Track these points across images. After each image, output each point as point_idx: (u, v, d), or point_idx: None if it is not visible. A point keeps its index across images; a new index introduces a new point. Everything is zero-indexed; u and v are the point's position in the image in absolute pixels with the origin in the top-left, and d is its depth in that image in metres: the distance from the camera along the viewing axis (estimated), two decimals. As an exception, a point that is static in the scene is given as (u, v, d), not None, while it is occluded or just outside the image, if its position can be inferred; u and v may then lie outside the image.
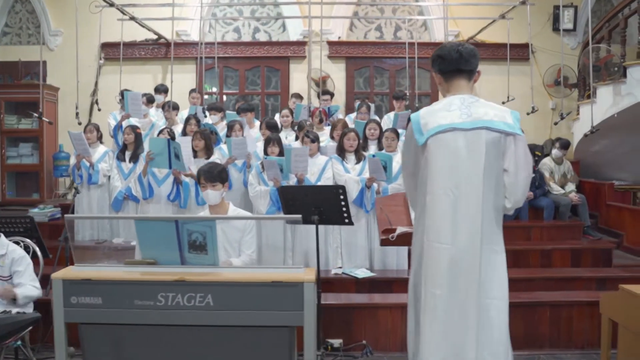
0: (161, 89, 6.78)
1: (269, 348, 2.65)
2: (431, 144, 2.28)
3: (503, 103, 7.26)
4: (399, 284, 4.75)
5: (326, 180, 5.04)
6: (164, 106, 6.28)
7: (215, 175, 3.43)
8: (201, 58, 7.47)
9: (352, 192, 4.93)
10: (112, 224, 5.71)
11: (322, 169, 5.09)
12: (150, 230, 2.76)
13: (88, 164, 5.57)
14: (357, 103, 7.02)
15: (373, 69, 7.99)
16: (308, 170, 5.07)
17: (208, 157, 5.14)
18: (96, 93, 7.90)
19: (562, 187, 6.48)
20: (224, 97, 8.16)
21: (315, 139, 5.11)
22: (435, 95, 8.06)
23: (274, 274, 2.67)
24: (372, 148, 5.54)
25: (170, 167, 4.89)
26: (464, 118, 2.27)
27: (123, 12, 6.36)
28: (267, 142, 5.10)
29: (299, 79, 7.89)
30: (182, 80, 7.85)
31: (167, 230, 2.70)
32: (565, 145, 6.48)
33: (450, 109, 2.31)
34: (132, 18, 6.60)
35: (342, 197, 3.79)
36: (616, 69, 5.97)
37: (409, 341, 2.48)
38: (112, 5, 5.92)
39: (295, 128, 6.02)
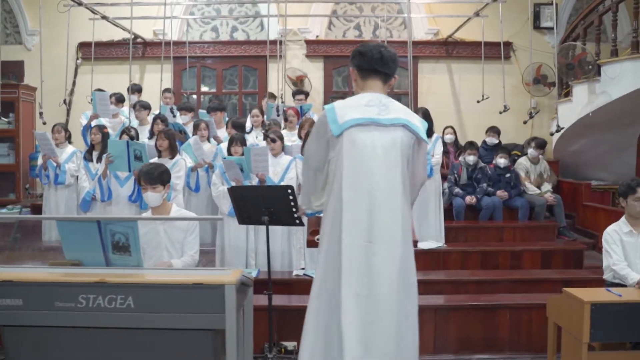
0: (135, 89, 6.74)
1: (192, 351, 2.60)
2: (347, 136, 2.23)
3: (478, 102, 7.20)
4: (360, 286, 4.70)
5: (289, 180, 4.97)
6: (135, 106, 6.23)
7: (156, 177, 3.37)
8: (177, 57, 7.43)
9: (315, 192, 4.86)
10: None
11: (286, 168, 5.03)
12: (74, 231, 2.71)
13: (55, 164, 5.53)
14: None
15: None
16: (271, 170, 5.02)
17: (172, 157, 5.08)
18: (73, 93, 7.86)
19: (539, 187, 6.38)
20: (202, 97, 8.11)
21: (278, 139, 5.04)
22: (414, 95, 7.98)
23: (196, 276, 2.61)
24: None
25: (130, 170, 4.84)
26: (382, 114, 2.24)
27: (93, 12, 6.31)
28: (230, 142, 5.05)
29: (276, 78, 7.81)
30: (159, 80, 7.83)
31: (90, 231, 2.65)
32: (541, 144, 6.39)
33: (369, 104, 2.27)
34: (104, 17, 6.56)
35: (291, 197, 3.71)
36: (590, 67, 5.87)
37: (303, 346, 2.38)
38: (80, 4, 5.87)
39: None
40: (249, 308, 3.10)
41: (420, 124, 2.31)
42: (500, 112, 6.30)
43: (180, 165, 5.04)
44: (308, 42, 7.87)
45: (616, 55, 5.76)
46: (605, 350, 3.49)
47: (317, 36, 7.90)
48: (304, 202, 2.51)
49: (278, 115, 5.90)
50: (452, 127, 7.02)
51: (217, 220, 3.71)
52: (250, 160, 4.71)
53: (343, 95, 7.33)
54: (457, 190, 6.19)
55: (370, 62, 2.30)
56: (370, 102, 2.27)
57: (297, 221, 3.84)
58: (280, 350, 4.05)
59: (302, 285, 4.68)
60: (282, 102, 6.61)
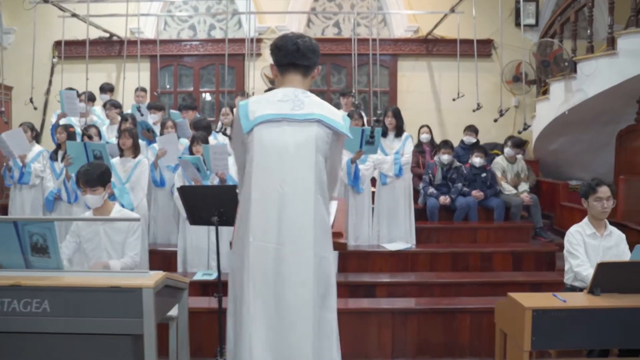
0: (106, 88, 6.66)
1: (111, 357, 2.49)
2: (256, 133, 2.10)
3: (454, 100, 7.08)
4: (322, 288, 4.59)
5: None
6: (105, 105, 6.14)
7: (95, 179, 3.26)
8: (154, 56, 7.34)
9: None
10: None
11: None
12: (-7, 231, 2.60)
13: (20, 164, 5.43)
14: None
15: (330, 66, 7.80)
16: (233, 169, 4.92)
17: (135, 156, 4.99)
18: (49, 92, 7.79)
19: (516, 187, 6.25)
20: (178, 96, 8.02)
21: None
22: (393, 92, 7.88)
23: (114, 279, 2.50)
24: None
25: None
26: (296, 110, 2.12)
27: (61, 9, 6.23)
28: (192, 141, 4.96)
29: (254, 77, 7.72)
30: (136, 79, 7.74)
31: (8, 231, 2.55)
32: (517, 143, 6.26)
33: (283, 99, 2.15)
34: (74, 15, 6.47)
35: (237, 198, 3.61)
36: (566, 63, 5.74)
37: (228, 350, 2.27)
38: (46, 1, 5.78)
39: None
40: (184, 312, 2.99)
41: (340, 119, 2.17)
42: (474, 110, 6.17)
43: (143, 165, 4.95)
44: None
45: (592, 51, 5.62)
46: (562, 357, 3.40)
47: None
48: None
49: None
50: (428, 126, 6.89)
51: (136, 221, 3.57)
52: (210, 159, 4.61)
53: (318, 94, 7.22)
54: (431, 190, 6.07)
55: (287, 56, 2.17)
56: (284, 97, 2.15)
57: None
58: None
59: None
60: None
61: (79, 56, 7.78)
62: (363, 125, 5.52)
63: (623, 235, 3.41)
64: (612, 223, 5.81)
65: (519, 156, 6.49)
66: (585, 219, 3.48)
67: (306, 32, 7.95)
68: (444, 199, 5.95)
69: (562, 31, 6.11)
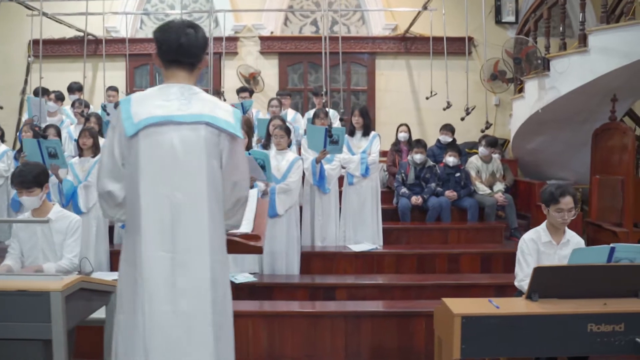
0: (75, 87, 6.60)
1: (22, 363, 2.40)
2: (142, 137, 1.96)
3: (427, 99, 6.98)
4: (279, 291, 4.50)
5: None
6: (74, 104, 6.07)
7: (31, 180, 3.16)
8: (130, 55, 7.27)
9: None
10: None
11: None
12: None
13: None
14: None
15: (307, 64, 7.70)
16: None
17: (94, 156, 4.91)
18: (25, 91, 7.72)
19: (491, 187, 6.14)
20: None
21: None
22: (371, 91, 7.78)
23: (22, 283, 2.42)
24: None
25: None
26: (182, 110, 1.97)
27: (29, 8, 6.16)
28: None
29: (231, 76, 7.63)
30: (112, 78, 7.68)
31: None
32: (491, 142, 6.14)
33: (169, 99, 1.99)
34: (44, 14, 6.40)
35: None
36: (539, 61, 5.62)
37: None
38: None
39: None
40: (110, 315, 2.89)
41: (231, 117, 2.04)
42: (444, 109, 6.07)
43: (101, 164, 4.86)
44: (262, 39, 7.68)
45: (565, 49, 5.50)
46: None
47: (271, 32, 7.70)
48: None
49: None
50: (406, 125, 6.77)
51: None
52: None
53: (291, 93, 7.13)
54: (403, 190, 5.96)
55: (169, 52, 2.02)
56: (170, 96, 1.99)
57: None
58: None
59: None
60: (224, 100, 6.42)
61: (55, 55, 7.75)
62: (330, 124, 5.42)
63: (582, 242, 3.25)
64: (589, 223, 5.79)
65: (495, 155, 6.38)
66: (543, 225, 3.27)
67: (283, 31, 7.88)
68: (416, 199, 5.84)
69: (535, 28, 5.99)
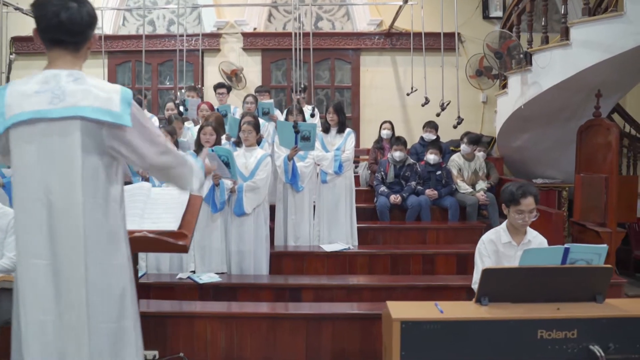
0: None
1: None
2: (12, 136, 1.78)
3: (408, 95, 6.83)
4: (244, 291, 4.35)
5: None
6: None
7: None
8: (112, 52, 7.16)
9: (204, 190, 4.54)
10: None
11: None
12: None
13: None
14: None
15: (290, 61, 7.54)
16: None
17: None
18: (6, 89, 7.64)
19: (473, 185, 5.97)
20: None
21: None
22: (356, 88, 7.62)
23: None
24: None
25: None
26: (55, 103, 1.75)
27: (5, 4, 6.05)
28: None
29: (213, 73, 7.51)
30: (94, 75, 7.56)
31: None
32: (473, 140, 5.97)
33: (41, 90, 1.77)
34: (17, 9, 6.29)
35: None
36: (522, 55, 5.44)
37: None
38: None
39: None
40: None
41: (115, 105, 1.78)
42: (422, 105, 5.89)
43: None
44: (245, 35, 7.53)
45: (547, 42, 5.32)
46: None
47: (254, 28, 7.56)
48: None
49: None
50: (390, 122, 6.61)
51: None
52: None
53: (270, 89, 6.97)
54: (382, 188, 5.81)
55: (48, 30, 1.79)
56: (43, 87, 1.77)
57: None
58: (136, 361, 3.70)
59: (184, 290, 4.37)
60: (200, 97, 6.30)
61: (36, 52, 7.64)
62: (304, 121, 5.28)
63: (544, 242, 3.08)
64: (574, 223, 5.60)
65: (479, 154, 6.21)
66: (503, 225, 3.11)
67: (267, 27, 7.73)
68: (394, 198, 5.68)
69: (519, 22, 5.81)
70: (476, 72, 6.63)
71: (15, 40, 7.61)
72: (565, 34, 5.03)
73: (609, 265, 2.46)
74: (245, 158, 4.71)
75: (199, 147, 4.69)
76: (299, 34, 5.60)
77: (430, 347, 2.32)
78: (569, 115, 5.72)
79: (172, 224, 2.33)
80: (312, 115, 5.35)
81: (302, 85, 6.07)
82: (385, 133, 6.51)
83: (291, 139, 4.85)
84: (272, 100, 6.03)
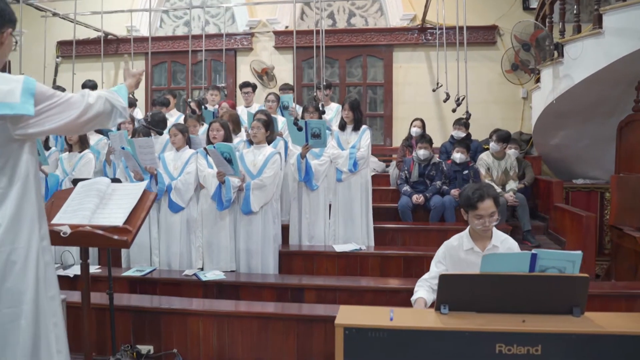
0: (89, 85, 6.73)
1: None
2: None
3: (434, 91, 6.57)
4: (247, 290, 4.32)
5: (187, 175, 4.70)
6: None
7: None
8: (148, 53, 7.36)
9: (211, 188, 4.57)
10: None
11: (186, 162, 4.76)
12: None
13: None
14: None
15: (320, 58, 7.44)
16: (172, 165, 4.78)
17: (81, 151, 4.98)
18: (55, 91, 8.05)
19: (504, 185, 5.65)
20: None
21: (180, 132, 4.77)
22: (388, 85, 7.42)
23: None
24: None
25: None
26: None
27: (39, 9, 6.36)
28: (133, 134, 4.88)
29: (245, 72, 7.56)
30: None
31: None
32: (503, 137, 5.63)
33: None
34: (55, 14, 6.60)
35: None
36: (552, 46, 5.08)
37: None
38: (17, 1, 5.93)
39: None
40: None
41: (16, 97, 1.75)
42: (444, 101, 5.63)
43: (86, 158, 4.93)
44: (277, 33, 7.53)
45: (579, 31, 4.93)
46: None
47: (286, 27, 7.53)
48: None
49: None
50: (420, 120, 6.40)
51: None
52: (137, 153, 4.49)
53: (293, 87, 6.90)
54: (405, 188, 5.61)
55: None
56: None
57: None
58: (132, 354, 3.77)
59: (189, 287, 4.41)
60: (225, 95, 6.35)
61: (80, 55, 8.00)
62: (320, 118, 5.18)
63: (514, 247, 2.82)
64: (612, 227, 5.17)
65: (510, 151, 5.87)
66: (466, 231, 2.88)
67: (300, 25, 7.69)
68: (417, 198, 5.47)
69: (551, 11, 5.42)
70: (512, 66, 6.26)
71: (61, 44, 7.99)
72: (598, 22, 4.64)
73: (585, 275, 2.22)
74: (254, 155, 4.68)
75: (208, 143, 4.72)
76: (321, 31, 5.48)
77: (376, 357, 2.18)
78: (608, 110, 5.29)
79: (118, 219, 2.33)
80: (323, 112, 5.24)
81: (325, 82, 5.97)
82: (415, 131, 6.30)
83: (301, 136, 4.78)
84: (291, 95, 5.97)
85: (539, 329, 2.11)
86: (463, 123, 6.14)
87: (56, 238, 2.27)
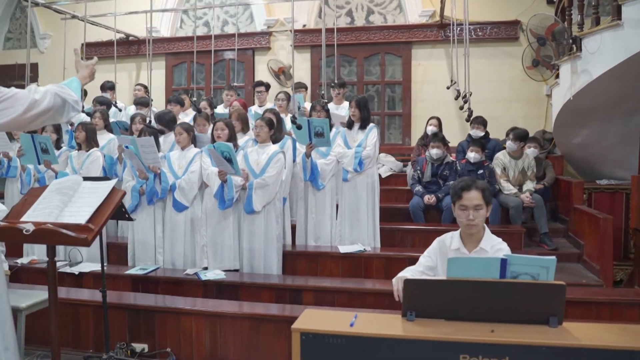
0: (107, 86, 6.85)
1: None
2: None
3: (447, 88, 6.38)
4: (246, 290, 4.29)
5: (190, 174, 4.71)
6: (93, 102, 6.35)
7: None
8: (169, 54, 7.46)
9: (214, 186, 4.55)
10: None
11: (190, 162, 4.76)
12: None
13: (6, 160, 5.72)
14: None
15: (339, 57, 7.36)
16: (176, 163, 4.80)
17: (88, 150, 5.06)
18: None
19: (521, 186, 5.43)
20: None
21: (185, 132, 4.78)
22: (407, 83, 7.25)
23: None
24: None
25: (39, 162, 4.89)
26: None
27: (58, 12, 6.50)
28: (140, 134, 4.92)
29: (263, 71, 7.54)
30: (153, 77, 7.92)
31: None
32: (520, 136, 5.41)
33: None
34: (74, 16, 6.74)
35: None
36: (569, 40, 4.83)
37: None
38: (37, 4, 6.08)
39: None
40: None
41: None
42: (456, 99, 5.45)
43: (93, 157, 5.00)
44: (294, 32, 7.46)
45: (597, 24, 4.67)
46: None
47: (303, 25, 7.47)
48: None
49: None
50: (437, 118, 6.24)
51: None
52: (139, 153, 4.52)
53: (306, 85, 6.84)
54: (417, 188, 5.47)
55: None
56: None
57: (126, 215, 3.59)
58: (127, 352, 3.78)
59: (190, 286, 4.40)
60: (238, 95, 6.35)
61: (103, 56, 8.16)
62: (328, 118, 5.09)
63: (504, 251, 2.64)
64: (635, 230, 4.89)
65: (529, 150, 5.63)
66: (459, 230, 2.76)
67: (318, 23, 7.61)
68: (429, 199, 5.33)
69: (570, 4, 5.16)
70: (532, 62, 6.02)
71: (87, 45, 8.15)
72: (617, 13, 4.38)
73: (561, 282, 2.06)
74: (257, 154, 4.65)
75: (213, 141, 4.71)
76: (329, 29, 5.38)
77: (328, 362, 2.08)
78: (633, 107, 5.00)
79: (81, 217, 2.32)
80: (327, 111, 5.15)
81: (335, 81, 5.89)
82: (431, 129, 6.14)
83: (306, 135, 4.71)
84: (302, 94, 5.92)
85: (506, 339, 1.97)
86: (481, 121, 5.95)
87: (21, 235, 2.28)
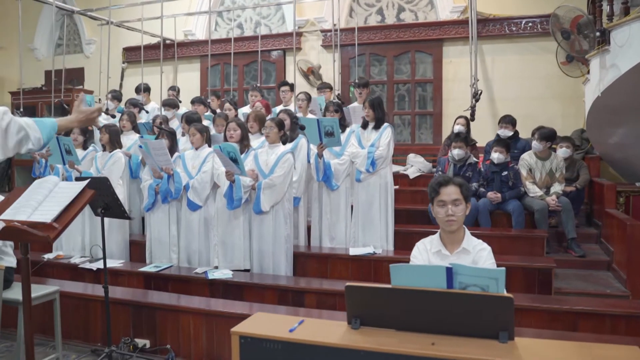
0: (141, 88, 7.08)
1: None
2: None
3: (470, 87, 6.10)
4: (250, 290, 4.30)
5: (203, 174, 4.79)
6: (126, 104, 6.58)
7: None
8: (203, 56, 7.63)
9: (223, 186, 4.60)
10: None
11: (203, 161, 4.84)
12: None
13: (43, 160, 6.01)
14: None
15: (369, 56, 7.24)
16: (190, 163, 4.89)
17: (111, 150, 5.25)
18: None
19: (548, 188, 5.15)
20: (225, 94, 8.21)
21: (198, 132, 4.87)
22: (438, 82, 7.04)
23: None
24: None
25: (64, 163, 5.12)
26: None
27: (95, 18, 6.78)
28: (157, 135, 5.06)
29: (294, 72, 7.54)
30: (188, 79, 8.15)
31: None
32: (546, 136, 5.11)
33: None
34: (107, 22, 7.01)
35: (111, 190, 3.59)
36: (595, 33, 4.51)
37: None
38: (72, 12, 6.38)
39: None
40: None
41: None
42: (473, 97, 5.20)
43: (115, 157, 5.18)
44: (324, 32, 7.44)
45: (627, 14, 4.34)
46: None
47: (333, 25, 7.41)
48: None
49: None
50: (464, 117, 6.02)
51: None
52: (151, 155, 4.64)
53: (330, 86, 6.76)
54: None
55: None
56: None
57: (125, 215, 3.70)
58: (130, 347, 3.90)
59: (197, 285, 4.47)
60: (262, 96, 6.40)
61: (145, 60, 8.45)
62: (342, 118, 5.03)
63: (486, 251, 2.54)
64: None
65: (560, 151, 5.33)
66: (438, 232, 2.63)
67: (348, 23, 7.54)
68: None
69: (599, -7, 4.83)
70: (567, 57, 5.68)
71: (127, 50, 8.48)
72: (646, 3, 4.06)
73: (508, 295, 1.92)
74: (267, 155, 4.65)
75: (226, 141, 4.77)
76: (355, 28, 5.31)
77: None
78: (671, 103, 4.62)
79: (47, 216, 2.40)
80: (336, 111, 5.07)
81: (356, 80, 5.81)
82: (458, 128, 5.94)
83: (315, 135, 4.68)
84: (323, 96, 5.88)
85: (444, 354, 1.86)
86: (509, 120, 5.69)
87: (-5, 233, 2.40)
